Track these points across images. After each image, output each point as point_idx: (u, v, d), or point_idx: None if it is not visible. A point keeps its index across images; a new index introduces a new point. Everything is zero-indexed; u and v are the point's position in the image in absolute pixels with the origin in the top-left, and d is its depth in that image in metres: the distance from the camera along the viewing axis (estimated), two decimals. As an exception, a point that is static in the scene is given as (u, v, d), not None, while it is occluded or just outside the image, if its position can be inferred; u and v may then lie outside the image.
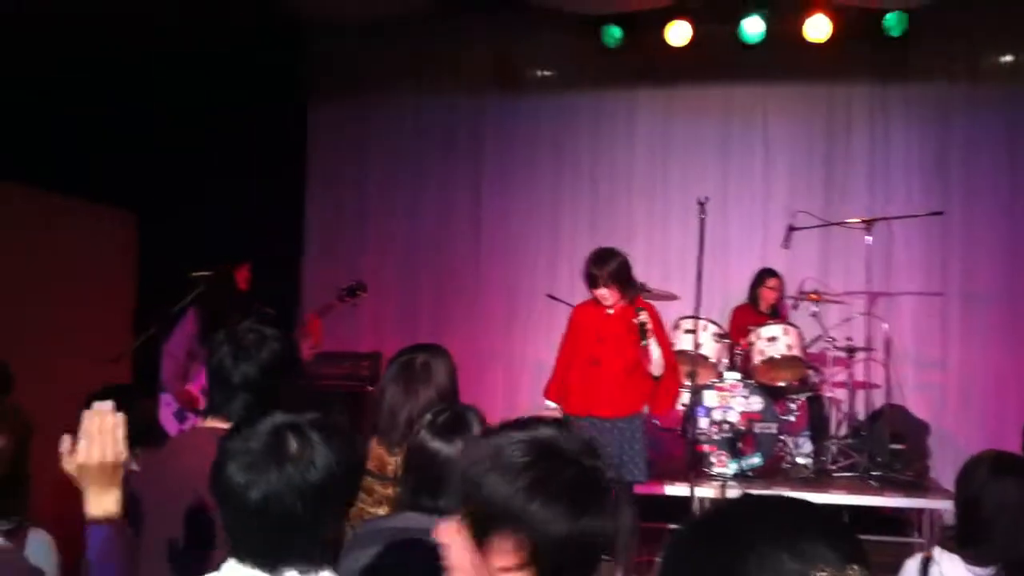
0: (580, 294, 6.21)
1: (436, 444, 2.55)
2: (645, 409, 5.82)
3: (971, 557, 2.72)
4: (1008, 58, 8.56)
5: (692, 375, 5.97)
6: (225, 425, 2.71)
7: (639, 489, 6.52)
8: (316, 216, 9.62)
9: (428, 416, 2.65)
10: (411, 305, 9.14)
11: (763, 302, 7.88)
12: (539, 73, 9.45)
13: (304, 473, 1.76)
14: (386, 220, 9.42)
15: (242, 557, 1.77)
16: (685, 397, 7.06)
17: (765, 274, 7.94)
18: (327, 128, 9.61)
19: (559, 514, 1.45)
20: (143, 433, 2.68)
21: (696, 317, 6.36)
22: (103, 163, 7.42)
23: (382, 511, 2.96)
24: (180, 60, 7.39)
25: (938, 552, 2.80)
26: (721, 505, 1.31)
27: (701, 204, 6.01)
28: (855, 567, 1.14)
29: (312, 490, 1.77)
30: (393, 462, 3.09)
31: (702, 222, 6.02)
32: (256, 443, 1.78)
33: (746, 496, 1.29)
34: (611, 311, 5.73)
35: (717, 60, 8.60)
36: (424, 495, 2.54)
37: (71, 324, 7.34)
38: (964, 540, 2.79)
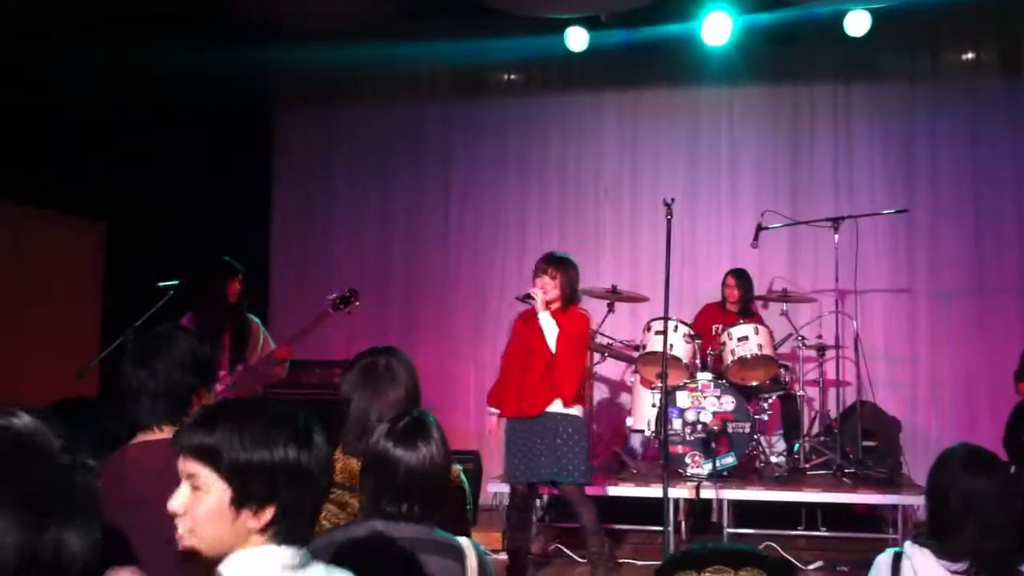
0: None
1: (398, 452, 2.53)
2: (579, 411, 5.77)
3: (943, 551, 2.72)
4: (969, 55, 8.65)
5: (663, 376, 5.96)
6: (148, 437, 2.72)
7: (605, 491, 6.56)
8: (283, 224, 9.57)
9: (385, 424, 2.62)
10: (381, 311, 9.09)
11: (728, 301, 7.90)
12: (505, 77, 9.46)
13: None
14: (355, 226, 9.40)
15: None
16: (656, 398, 7.06)
17: (727, 273, 7.95)
18: (294, 135, 9.59)
19: (12, 522, 1.22)
20: (100, 447, 2.66)
21: (666, 318, 6.36)
22: (72, 174, 7.34)
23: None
24: (147, 68, 7.32)
25: (910, 546, 2.79)
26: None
27: (668, 205, 6.01)
28: None
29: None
30: None
31: (669, 223, 6.03)
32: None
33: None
34: (546, 313, 5.72)
35: (682, 61, 8.63)
36: (387, 501, 2.52)
37: (38, 335, 7.25)
38: (935, 534, 2.79)
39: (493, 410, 6.01)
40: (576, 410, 5.75)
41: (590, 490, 6.09)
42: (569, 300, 5.78)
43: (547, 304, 5.71)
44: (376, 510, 2.53)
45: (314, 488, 1.82)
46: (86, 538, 1.28)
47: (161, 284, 5.81)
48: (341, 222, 9.45)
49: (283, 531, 1.79)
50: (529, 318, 5.90)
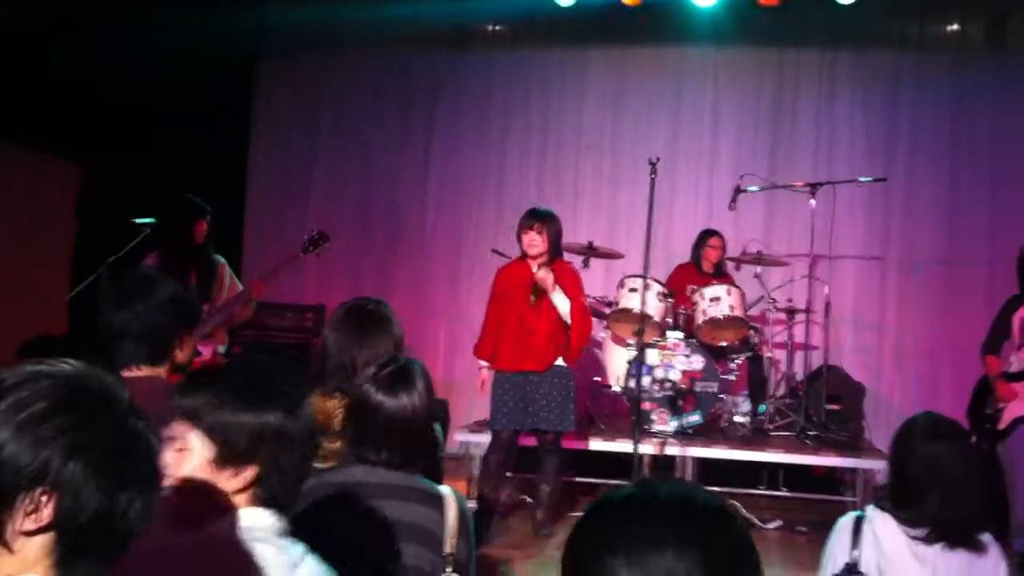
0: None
1: (379, 397, 2.54)
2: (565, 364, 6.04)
3: (904, 517, 2.76)
4: (955, 26, 8.66)
5: (640, 333, 6.04)
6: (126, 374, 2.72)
7: (575, 445, 6.69)
8: (261, 169, 9.52)
9: (372, 368, 2.63)
10: (357, 259, 9.09)
11: (706, 261, 7.93)
12: (491, 28, 9.38)
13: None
14: (335, 173, 9.37)
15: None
16: (630, 355, 7.13)
17: (707, 234, 8.00)
18: (277, 82, 9.52)
19: (98, 482, 1.25)
20: None
21: (643, 276, 6.39)
22: (46, 111, 7.23)
23: (329, 466, 2.95)
24: (127, 9, 7.21)
25: (871, 511, 2.83)
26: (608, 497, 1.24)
27: (652, 164, 6.03)
28: None
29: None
30: (340, 415, 3.05)
31: (652, 182, 6.04)
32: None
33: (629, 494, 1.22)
34: (536, 267, 5.91)
35: (670, 20, 8.59)
36: (367, 448, 2.53)
37: (8, 272, 7.19)
38: (897, 501, 2.83)
39: (484, 363, 6.14)
40: (563, 363, 6.02)
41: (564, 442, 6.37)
42: (554, 254, 5.94)
43: (535, 259, 5.88)
44: (356, 456, 2.55)
45: (297, 454, 1.82)
46: (146, 504, 1.32)
47: (137, 221, 5.78)
48: (321, 169, 9.41)
49: (264, 494, 1.80)
50: (515, 272, 6.04)
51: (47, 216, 8.02)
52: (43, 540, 1.25)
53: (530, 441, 6.25)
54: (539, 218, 5.90)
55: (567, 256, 7.59)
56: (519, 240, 5.96)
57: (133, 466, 1.30)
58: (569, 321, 5.94)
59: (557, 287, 5.87)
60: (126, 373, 2.74)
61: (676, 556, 1.08)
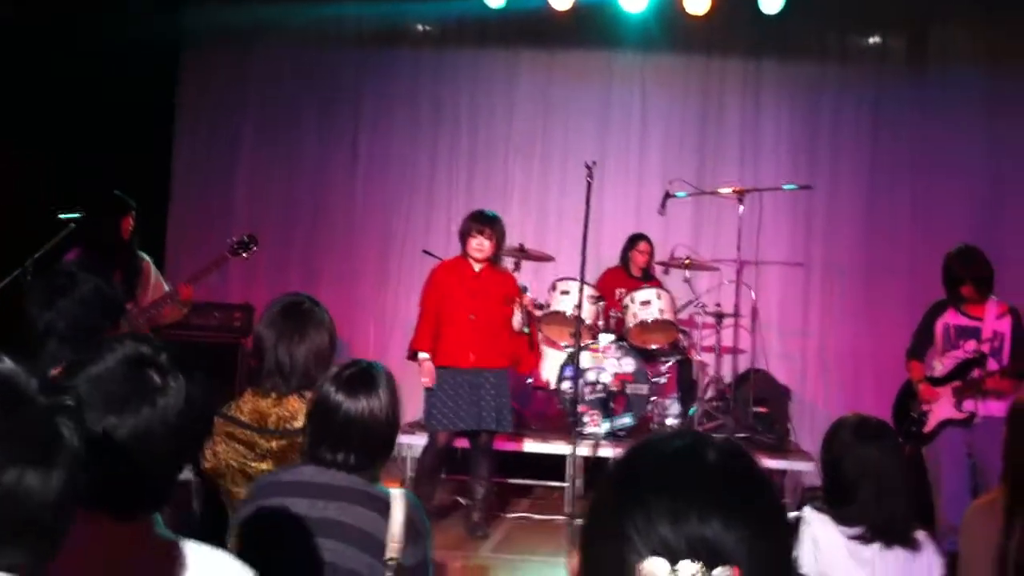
0: (455, 250, 6.35)
1: (339, 398, 2.51)
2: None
3: (840, 517, 2.81)
4: (876, 39, 8.86)
5: (577, 335, 6.10)
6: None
7: (508, 446, 6.71)
8: (184, 162, 9.33)
9: (334, 369, 2.60)
10: (283, 256, 8.96)
11: (634, 265, 8.01)
12: (420, 28, 9.34)
13: (170, 408, 1.66)
14: (260, 169, 9.23)
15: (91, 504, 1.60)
16: (562, 357, 7.16)
17: (636, 238, 8.07)
18: (201, 78, 9.33)
19: None
20: None
21: (579, 280, 6.43)
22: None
23: (266, 465, 2.90)
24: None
25: (808, 512, 2.88)
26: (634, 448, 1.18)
27: (589, 168, 6.07)
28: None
29: (178, 424, 1.67)
30: (276, 413, 3.00)
31: (589, 186, 6.09)
32: (115, 382, 1.66)
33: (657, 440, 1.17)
34: (479, 268, 6.00)
35: (599, 25, 8.65)
36: (324, 448, 2.50)
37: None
38: (832, 501, 2.88)
39: (425, 355, 6.05)
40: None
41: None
42: (496, 257, 6.06)
43: (478, 261, 5.97)
44: (312, 455, 2.52)
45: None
46: (52, 479, 1.23)
47: (62, 216, 5.63)
48: (246, 164, 9.26)
49: None
50: (456, 270, 6.08)
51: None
52: None
53: (461, 442, 6.23)
54: (490, 223, 5.97)
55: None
56: (463, 240, 5.98)
57: (26, 443, 1.23)
58: (518, 327, 6.09)
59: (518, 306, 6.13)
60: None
61: (724, 528, 1.03)
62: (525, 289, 6.26)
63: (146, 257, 5.76)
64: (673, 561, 1.00)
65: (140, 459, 1.63)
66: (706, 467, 1.10)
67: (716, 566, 1.00)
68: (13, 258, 5.69)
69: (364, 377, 2.56)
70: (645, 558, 1.01)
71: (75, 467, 1.27)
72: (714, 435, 1.28)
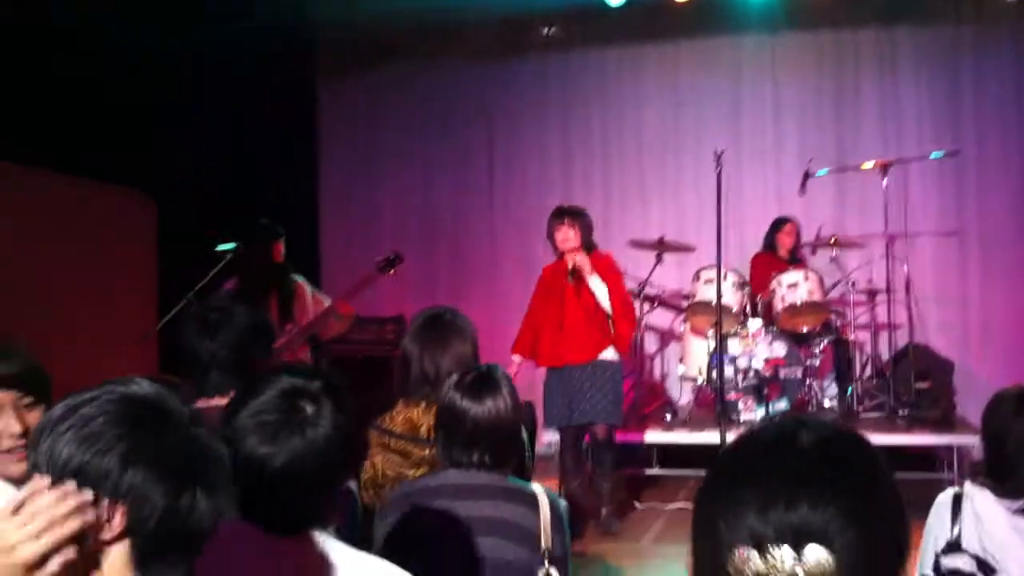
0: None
1: (465, 404, 2.59)
2: (613, 356, 6.04)
3: (1002, 490, 2.74)
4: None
5: (717, 324, 6.04)
6: (209, 403, 2.75)
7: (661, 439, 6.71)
8: (330, 190, 9.66)
9: (455, 376, 2.68)
10: (429, 273, 9.17)
11: (781, 248, 7.90)
12: (545, 31, 9.39)
13: (319, 435, 1.81)
14: (401, 188, 9.46)
15: (257, 523, 1.80)
16: (708, 346, 7.11)
17: (780, 221, 7.98)
18: (336, 105, 9.64)
19: (156, 486, 1.30)
20: None
21: (717, 267, 6.38)
22: (114, 143, 7.42)
23: (420, 472, 3.01)
24: (188, 39, 7.39)
25: (969, 487, 2.81)
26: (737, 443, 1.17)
27: (717, 157, 6.03)
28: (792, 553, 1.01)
29: (327, 451, 1.81)
30: (426, 422, 3.11)
31: (719, 175, 6.04)
32: (270, 414, 1.82)
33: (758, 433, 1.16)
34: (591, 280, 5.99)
35: (722, 13, 8.55)
36: (457, 451, 2.60)
37: (95, 309, 7.38)
38: (993, 474, 2.81)
39: (516, 359, 6.21)
40: (614, 355, 6.04)
41: (634, 436, 6.59)
42: (588, 247, 5.98)
43: (572, 252, 5.94)
44: (449, 459, 2.62)
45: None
46: (214, 502, 1.37)
47: (219, 248, 5.94)
48: (387, 181, 9.51)
49: None
50: (557, 269, 6.11)
51: (126, 249, 8.20)
52: (122, 548, 1.30)
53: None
54: (567, 214, 6.00)
55: (640, 253, 7.66)
56: (551, 239, 6.05)
57: (194, 468, 1.36)
58: (609, 307, 5.97)
59: (595, 273, 5.92)
60: (204, 403, 2.76)
61: (811, 510, 1.03)
62: (573, 274, 5.96)
63: (300, 279, 6.03)
64: (761, 550, 1.01)
65: (294, 483, 1.80)
66: (798, 452, 1.09)
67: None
68: (178, 294, 6.01)
69: (486, 381, 2.64)
70: (735, 550, 1.03)
71: (230, 491, 1.42)
72: (819, 417, 1.28)
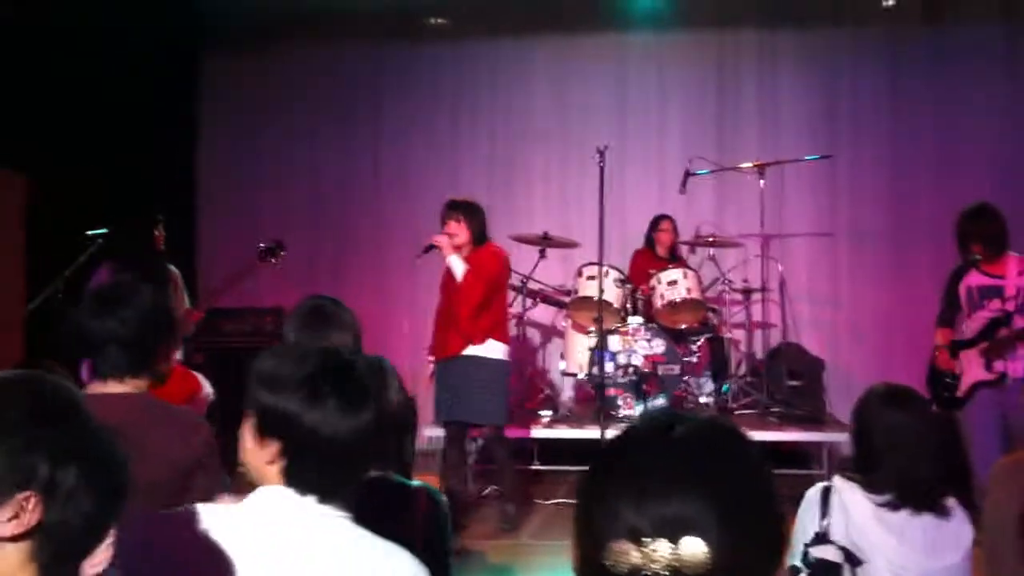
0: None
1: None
2: (498, 354, 5.93)
3: (869, 484, 2.82)
4: (890, 2, 8.75)
5: (598, 321, 6.08)
6: (105, 388, 2.67)
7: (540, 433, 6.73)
8: (209, 172, 9.41)
9: None
10: (311, 259, 9.01)
11: (660, 246, 8.02)
12: (433, 21, 9.34)
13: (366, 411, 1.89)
14: (284, 174, 9.27)
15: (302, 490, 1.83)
16: (591, 342, 7.18)
17: (659, 219, 8.09)
18: (220, 84, 9.38)
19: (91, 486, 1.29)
20: None
21: (599, 264, 6.44)
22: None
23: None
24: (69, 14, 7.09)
25: (838, 480, 2.88)
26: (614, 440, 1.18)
27: (600, 152, 6.07)
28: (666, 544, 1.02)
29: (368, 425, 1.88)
30: None
31: (601, 170, 6.08)
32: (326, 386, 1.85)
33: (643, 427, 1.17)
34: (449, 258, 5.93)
35: (610, 6, 8.63)
36: None
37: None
38: (860, 469, 2.89)
39: (431, 356, 6.19)
40: (493, 352, 5.90)
41: (519, 432, 6.51)
42: (479, 241, 5.93)
43: (458, 248, 5.88)
44: None
45: (323, 446, 1.81)
46: (120, 508, 1.31)
47: (90, 232, 5.71)
48: (270, 168, 9.31)
49: (290, 474, 1.83)
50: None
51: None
52: (24, 545, 1.24)
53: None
54: (458, 207, 5.96)
55: (524, 248, 7.68)
56: (443, 230, 5.98)
57: (109, 472, 1.30)
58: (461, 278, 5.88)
59: (466, 263, 5.82)
60: (100, 389, 2.67)
61: (685, 502, 1.04)
62: (429, 248, 5.97)
63: (174, 269, 5.84)
64: (638, 543, 1.02)
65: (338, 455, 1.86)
66: (671, 445, 1.11)
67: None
68: (46, 278, 5.76)
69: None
70: (614, 543, 1.03)
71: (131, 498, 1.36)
72: (696, 412, 1.30)
